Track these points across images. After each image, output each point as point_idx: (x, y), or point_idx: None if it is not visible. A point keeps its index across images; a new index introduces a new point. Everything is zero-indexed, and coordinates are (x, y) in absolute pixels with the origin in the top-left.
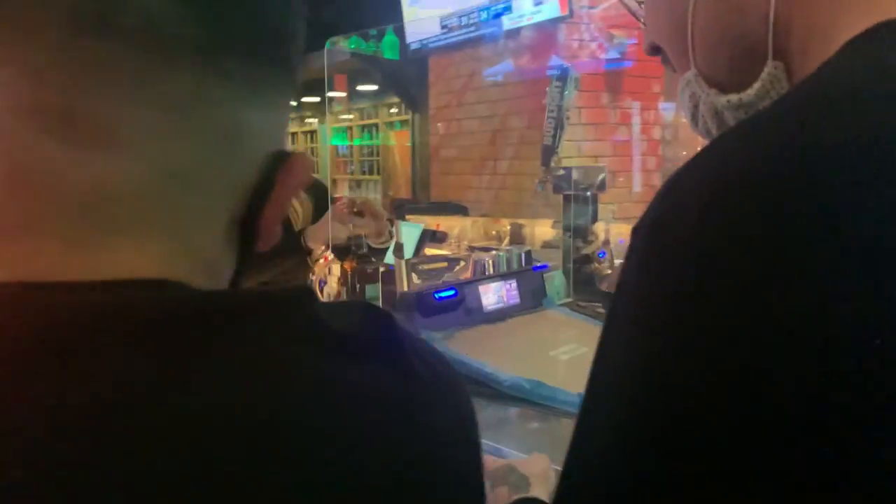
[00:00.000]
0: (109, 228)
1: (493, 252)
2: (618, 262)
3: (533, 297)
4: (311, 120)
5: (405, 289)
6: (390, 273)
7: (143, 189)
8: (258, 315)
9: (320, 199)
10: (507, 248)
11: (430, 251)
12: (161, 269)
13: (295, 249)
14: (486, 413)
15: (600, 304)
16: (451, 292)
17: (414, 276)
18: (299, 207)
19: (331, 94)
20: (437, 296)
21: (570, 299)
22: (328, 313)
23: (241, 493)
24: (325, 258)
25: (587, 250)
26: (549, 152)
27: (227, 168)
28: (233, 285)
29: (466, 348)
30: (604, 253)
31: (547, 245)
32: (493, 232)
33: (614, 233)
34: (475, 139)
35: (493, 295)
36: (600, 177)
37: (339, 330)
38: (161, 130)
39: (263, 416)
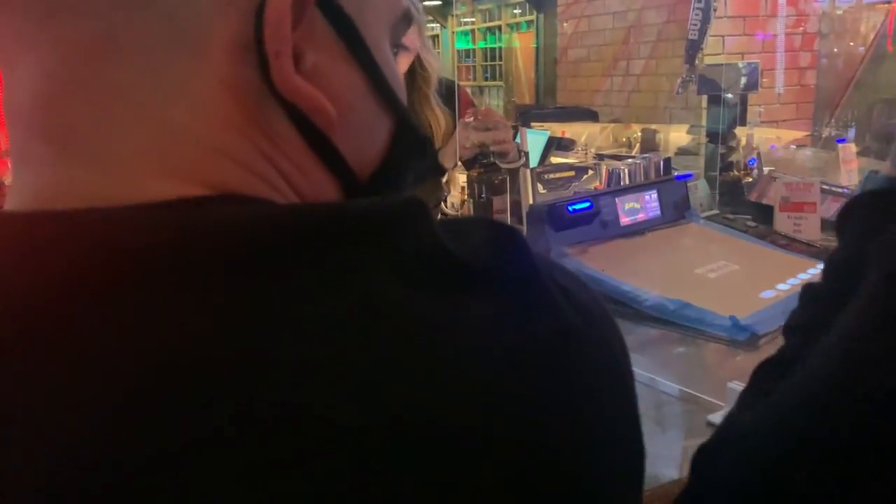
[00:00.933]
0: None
1: (630, 160)
2: (767, 169)
3: (675, 210)
4: (432, 25)
5: (531, 200)
6: (514, 182)
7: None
8: (358, 239)
9: (453, 108)
10: (644, 155)
11: (555, 159)
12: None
13: (435, 170)
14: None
15: (750, 217)
16: (586, 204)
17: (539, 185)
18: (440, 115)
19: None
20: (570, 208)
21: (715, 211)
22: (448, 233)
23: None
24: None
25: (734, 157)
26: (694, 48)
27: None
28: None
29: (603, 264)
30: (754, 160)
31: (683, 152)
32: (623, 138)
33: (761, 138)
34: (606, 37)
35: (629, 206)
36: (750, 76)
37: (462, 256)
38: None
39: (354, 376)
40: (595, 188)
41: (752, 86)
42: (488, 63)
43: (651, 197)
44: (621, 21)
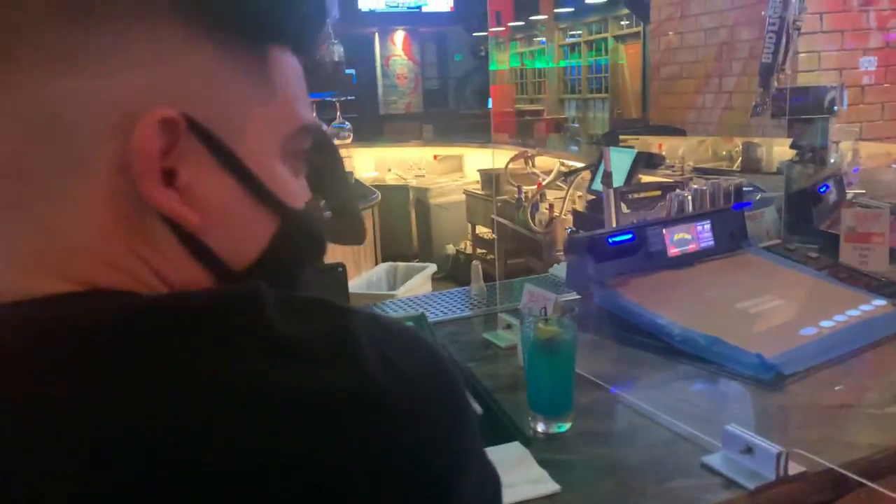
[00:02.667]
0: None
1: (695, 186)
2: (853, 192)
3: (731, 239)
4: (539, 39)
5: (614, 222)
6: (598, 202)
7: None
8: (190, 324)
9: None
10: (714, 179)
11: (645, 178)
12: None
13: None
14: (647, 369)
15: (816, 247)
16: (628, 236)
17: (624, 206)
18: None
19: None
20: (610, 240)
21: (778, 241)
22: (288, 312)
23: None
24: (539, 184)
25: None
26: (768, 71)
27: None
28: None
29: (640, 296)
30: (826, 186)
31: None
32: (724, 152)
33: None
34: (699, 54)
35: (679, 237)
36: (829, 97)
37: (286, 334)
38: None
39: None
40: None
41: (828, 109)
42: (594, 76)
43: (704, 227)
44: (713, 37)
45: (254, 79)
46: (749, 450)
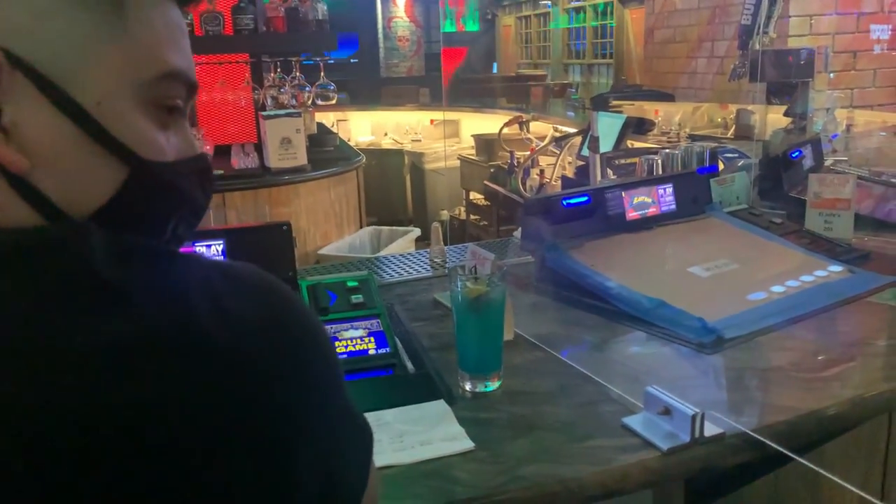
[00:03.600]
0: None
1: (667, 151)
2: (831, 160)
3: (694, 204)
4: (545, 2)
5: (597, 183)
6: (587, 167)
7: None
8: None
9: None
10: (687, 145)
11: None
12: None
13: None
14: (589, 331)
15: (783, 213)
16: (584, 198)
17: (610, 171)
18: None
19: None
20: (565, 202)
21: (744, 206)
22: (110, 258)
23: None
24: (532, 150)
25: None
26: (747, 33)
27: None
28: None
29: (592, 259)
30: (800, 151)
31: (785, 132)
32: (719, 119)
33: (863, 121)
34: (692, 18)
35: (639, 201)
36: (805, 60)
37: (109, 278)
38: None
39: None
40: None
41: (805, 71)
42: (599, 40)
43: (665, 191)
44: (707, 0)
45: (101, 15)
46: (667, 411)
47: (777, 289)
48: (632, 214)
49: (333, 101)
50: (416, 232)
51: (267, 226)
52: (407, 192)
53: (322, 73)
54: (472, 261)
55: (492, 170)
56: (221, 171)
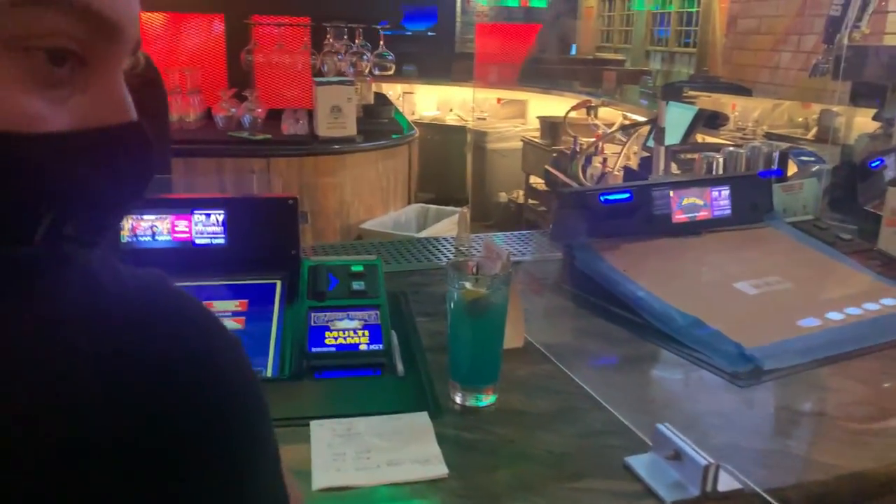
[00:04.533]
0: None
1: (731, 148)
2: None
3: (752, 210)
4: None
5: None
6: (651, 159)
7: None
8: None
9: None
10: (756, 144)
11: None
12: None
13: None
14: (610, 346)
15: (854, 228)
16: (625, 195)
17: (674, 165)
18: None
19: None
20: (603, 198)
21: (810, 217)
22: None
23: None
24: (597, 136)
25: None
26: (834, 25)
27: None
28: None
29: (626, 262)
30: (881, 160)
31: (870, 138)
32: (800, 119)
33: None
34: (779, 7)
35: (689, 202)
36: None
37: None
38: None
39: None
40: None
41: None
42: (683, 28)
43: (720, 193)
44: None
45: None
46: (677, 455)
47: (834, 316)
48: (679, 217)
49: (390, 72)
50: (465, 210)
51: (272, 198)
52: (467, 171)
53: (381, 43)
54: (484, 256)
55: (554, 154)
56: (269, 136)
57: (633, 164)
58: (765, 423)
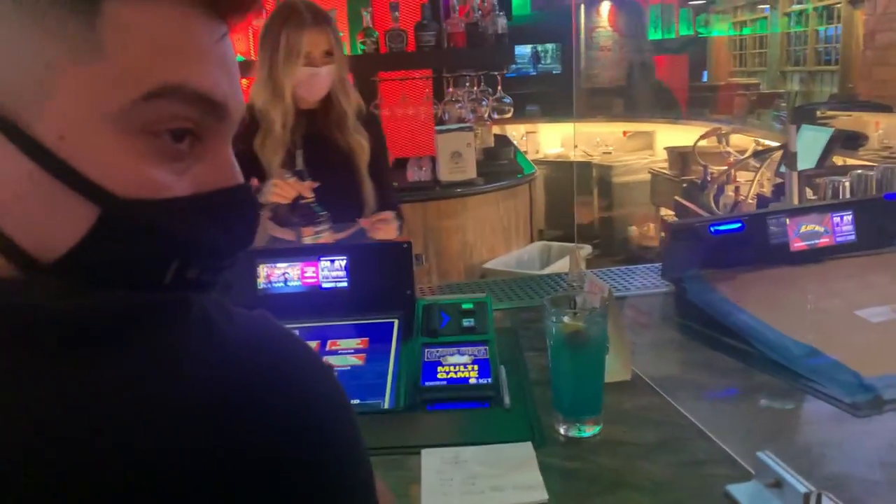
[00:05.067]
0: None
1: (859, 171)
2: None
3: (880, 235)
4: (763, 5)
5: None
6: (783, 187)
7: None
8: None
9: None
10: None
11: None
12: None
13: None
14: (721, 377)
15: None
16: (736, 225)
17: (810, 190)
18: (363, 142)
19: None
20: (713, 229)
21: None
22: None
23: None
24: (729, 164)
25: None
26: None
27: None
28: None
29: (740, 294)
30: None
31: None
32: None
33: None
34: None
35: (808, 229)
36: None
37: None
38: None
39: None
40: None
41: None
42: (822, 46)
43: (842, 219)
44: None
45: (71, 40)
46: (778, 483)
47: None
48: (798, 245)
49: (509, 115)
50: (587, 249)
51: (388, 244)
52: (593, 207)
53: (499, 87)
54: (587, 291)
55: (684, 185)
56: (395, 183)
57: (767, 191)
58: (882, 453)
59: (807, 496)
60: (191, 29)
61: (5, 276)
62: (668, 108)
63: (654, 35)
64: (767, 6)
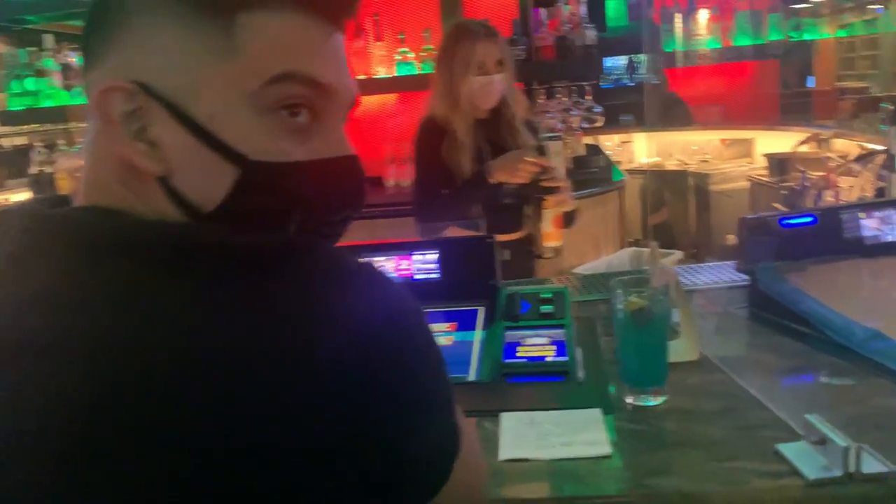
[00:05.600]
0: None
1: None
2: None
3: None
4: (874, 6)
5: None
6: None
7: None
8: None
9: None
10: None
11: None
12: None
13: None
14: (787, 359)
15: None
16: (808, 219)
17: None
18: (528, 142)
19: None
20: (784, 222)
21: None
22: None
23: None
24: (829, 170)
25: None
26: None
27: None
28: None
29: (810, 283)
30: None
31: None
32: None
33: None
34: None
35: (881, 224)
36: None
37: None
38: None
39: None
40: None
41: None
42: None
43: None
44: None
45: (216, 45)
46: (822, 441)
47: None
48: (871, 239)
49: (599, 124)
50: (679, 255)
51: (474, 238)
52: (689, 215)
53: (589, 97)
54: (659, 277)
55: (784, 191)
56: None
57: (870, 195)
58: None
59: (846, 450)
60: (303, 31)
61: (177, 221)
62: (771, 114)
63: (743, 41)
64: (881, 6)
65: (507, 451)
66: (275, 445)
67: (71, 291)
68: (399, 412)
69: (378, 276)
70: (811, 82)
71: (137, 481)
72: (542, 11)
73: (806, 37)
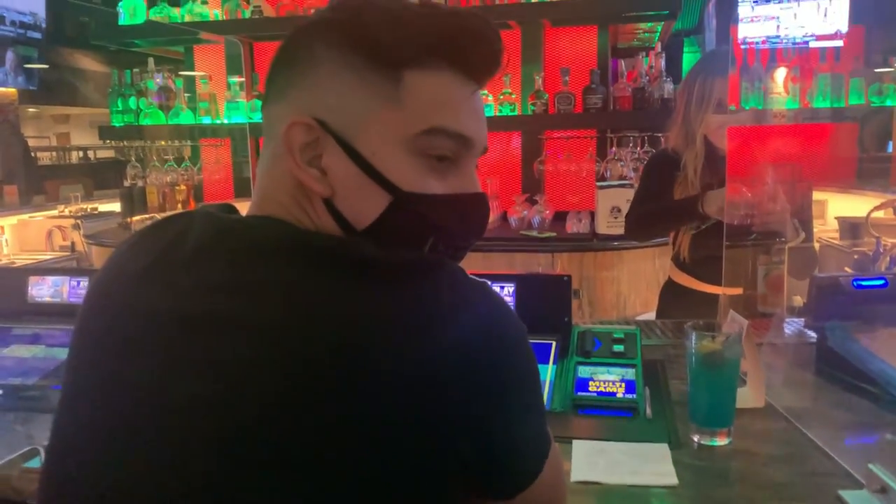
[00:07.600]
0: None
1: None
2: None
3: None
4: None
5: None
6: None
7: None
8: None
9: None
10: None
11: None
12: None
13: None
14: (851, 414)
15: None
16: (880, 282)
17: None
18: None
19: None
20: (856, 283)
21: None
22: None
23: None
24: None
25: None
26: None
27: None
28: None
29: (880, 344)
30: None
31: None
32: None
33: None
34: None
35: None
36: None
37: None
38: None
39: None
40: None
41: None
42: None
43: None
44: None
45: (382, 94)
46: (883, 490)
47: None
48: None
49: None
50: (743, 322)
51: (551, 275)
52: (758, 274)
53: (639, 148)
54: (731, 324)
55: (855, 256)
56: (554, 234)
57: None
58: None
59: None
60: (454, 89)
61: (336, 235)
62: (845, 177)
63: (822, 103)
64: None
65: (579, 473)
66: (405, 407)
67: (252, 280)
68: (508, 405)
69: (494, 292)
70: (891, 147)
71: (322, 427)
72: (621, 62)
73: (889, 103)
